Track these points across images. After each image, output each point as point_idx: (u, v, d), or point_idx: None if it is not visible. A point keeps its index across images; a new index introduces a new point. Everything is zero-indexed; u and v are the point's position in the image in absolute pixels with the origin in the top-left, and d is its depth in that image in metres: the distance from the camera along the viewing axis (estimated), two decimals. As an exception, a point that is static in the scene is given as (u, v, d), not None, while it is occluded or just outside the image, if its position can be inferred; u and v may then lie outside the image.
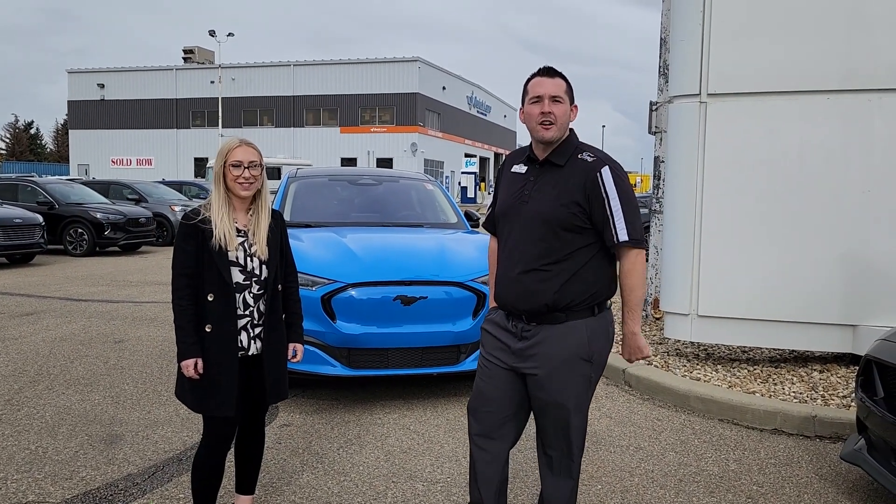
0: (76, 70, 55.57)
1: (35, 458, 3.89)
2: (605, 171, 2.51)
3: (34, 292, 9.69)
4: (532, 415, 2.73)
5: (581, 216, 2.51)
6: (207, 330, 2.75)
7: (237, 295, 2.80)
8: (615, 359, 5.83)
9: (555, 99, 2.54)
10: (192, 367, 2.73)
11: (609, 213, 2.48)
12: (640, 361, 2.68)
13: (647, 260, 7.87)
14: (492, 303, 2.81)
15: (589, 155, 2.57)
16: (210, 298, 2.75)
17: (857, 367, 3.72)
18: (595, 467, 3.92)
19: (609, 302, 2.68)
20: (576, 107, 2.63)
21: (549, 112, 2.53)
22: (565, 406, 2.58)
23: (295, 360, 3.02)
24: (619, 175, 2.54)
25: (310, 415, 4.69)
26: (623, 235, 2.48)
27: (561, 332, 2.55)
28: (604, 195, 2.49)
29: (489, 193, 52.51)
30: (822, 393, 4.92)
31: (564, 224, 2.51)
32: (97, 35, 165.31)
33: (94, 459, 3.88)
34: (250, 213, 2.86)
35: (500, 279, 2.68)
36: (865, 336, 5.11)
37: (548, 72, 2.60)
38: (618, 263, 2.57)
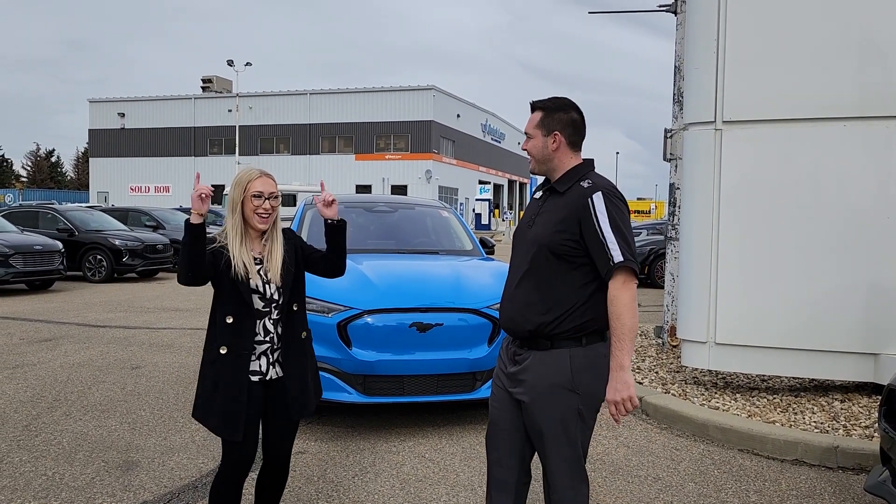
0: (97, 99, 56.62)
1: (52, 484, 3.90)
2: (596, 197, 2.47)
3: (53, 318, 9.78)
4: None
5: (571, 243, 2.47)
6: (222, 352, 2.77)
7: (258, 321, 2.82)
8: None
9: (526, 135, 2.63)
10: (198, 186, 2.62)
11: (602, 237, 2.44)
12: (629, 405, 2.40)
13: (661, 287, 7.74)
14: None
15: (587, 182, 2.53)
16: (229, 321, 2.77)
17: (880, 397, 3.66)
18: (613, 498, 3.87)
19: (607, 333, 2.56)
20: (556, 135, 2.56)
21: (525, 149, 2.65)
22: (551, 435, 2.53)
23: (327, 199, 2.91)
24: (612, 200, 2.47)
25: (325, 442, 4.68)
26: (618, 257, 2.41)
27: (545, 360, 2.51)
28: (594, 220, 2.45)
29: (503, 220, 52.59)
30: (843, 423, 4.84)
31: (554, 249, 2.49)
32: (117, 66, 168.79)
33: (110, 486, 3.88)
34: (264, 240, 2.89)
35: (500, 301, 2.74)
36: (887, 365, 5.04)
37: (531, 105, 2.64)
38: (608, 290, 2.46)
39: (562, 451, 2.54)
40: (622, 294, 2.43)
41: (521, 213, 2.92)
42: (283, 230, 2.96)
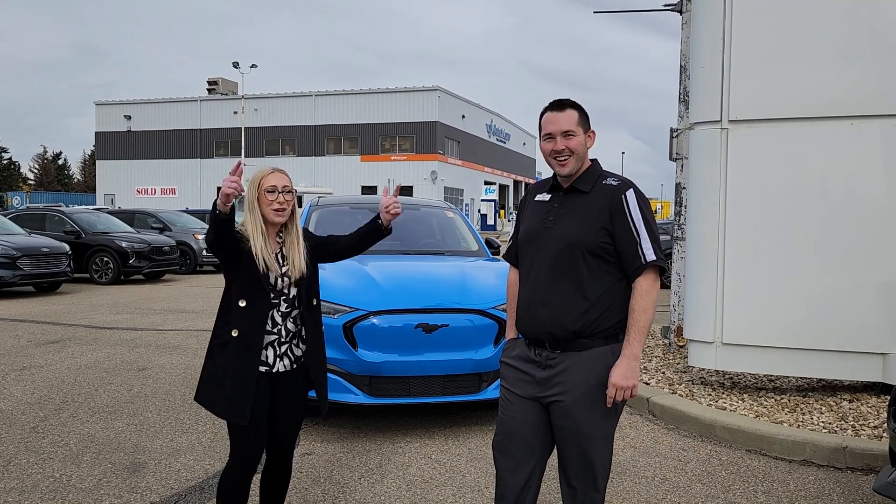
0: (104, 102, 56.84)
1: (59, 486, 3.91)
2: (630, 194, 2.54)
3: (60, 320, 9.82)
4: (555, 446, 2.68)
5: (607, 239, 2.51)
6: (234, 335, 2.79)
7: (270, 311, 2.85)
8: (639, 387, 5.76)
9: (567, 134, 2.56)
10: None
11: (636, 234, 2.50)
12: (630, 395, 2.47)
13: (668, 287, 7.70)
14: (509, 334, 2.80)
15: (614, 180, 2.60)
16: (242, 304, 2.80)
17: (889, 397, 3.64)
18: (620, 499, 3.86)
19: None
20: (593, 132, 2.65)
21: (563, 149, 2.56)
22: (591, 434, 2.55)
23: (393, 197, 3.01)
24: (643, 199, 2.57)
25: (331, 443, 4.68)
26: (651, 255, 2.49)
27: (587, 359, 2.53)
28: (628, 217, 2.51)
29: (509, 220, 52.57)
30: (852, 423, 4.82)
31: (590, 248, 2.51)
32: (125, 69, 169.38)
33: (117, 488, 3.89)
34: (281, 238, 2.91)
35: (523, 306, 2.66)
36: (895, 365, 5.01)
37: (559, 105, 2.61)
38: (634, 284, 2.51)
39: (600, 448, 2.58)
40: (651, 291, 2.51)
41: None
42: (303, 230, 3.01)
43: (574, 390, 2.52)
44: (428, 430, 4.96)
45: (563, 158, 2.57)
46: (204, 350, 7.72)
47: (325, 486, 3.97)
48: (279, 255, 2.89)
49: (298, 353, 2.95)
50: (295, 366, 2.93)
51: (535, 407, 2.61)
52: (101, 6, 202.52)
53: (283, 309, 2.88)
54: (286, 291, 2.87)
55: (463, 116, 53.73)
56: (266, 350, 2.84)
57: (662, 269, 2.54)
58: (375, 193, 46.53)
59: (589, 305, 2.51)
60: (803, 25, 5.27)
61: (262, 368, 2.84)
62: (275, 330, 2.86)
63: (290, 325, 2.90)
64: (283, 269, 2.87)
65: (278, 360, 2.88)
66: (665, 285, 10.96)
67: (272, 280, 2.83)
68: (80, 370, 6.72)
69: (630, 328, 2.50)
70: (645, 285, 2.50)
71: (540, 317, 2.57)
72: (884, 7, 5.11)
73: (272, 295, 2.84)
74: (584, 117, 2.61)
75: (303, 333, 2.95)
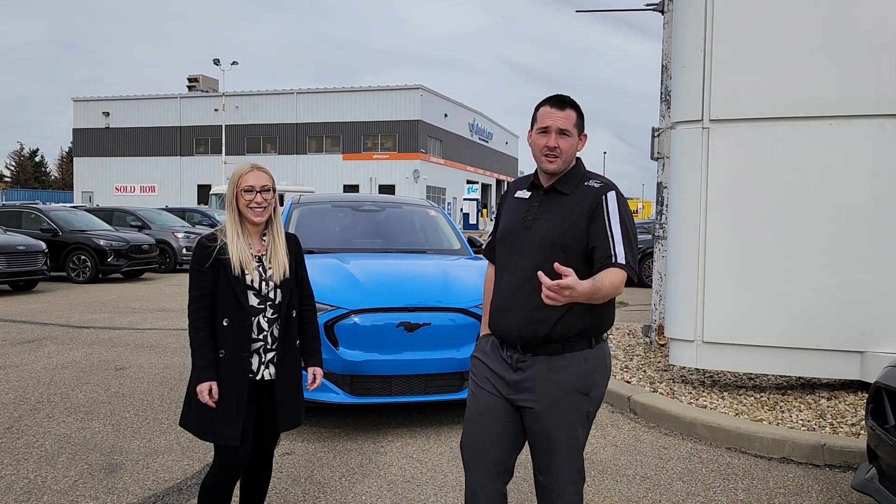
0: (82, 98, 56.11)
1: (34, 487, 3.84)
2: (610, 196, 2.49)
3: (36, 319, 9.66)
4: (529, 449, 2.63)
5: (584, 242, 2.45)
6: (221, 355, 2.75)
7: (252, 319, 2.79)
8: (621, 386, 5.79)
9: (562, 132, 2.50)
10: (206, 391, 2.70)
11: (610, 235, 2.41)
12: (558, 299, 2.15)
13: (649, 286, 7.72)
14: (483, 330, 2.75)
15: (596, 182, 2.54)
16: (225, 323, 2.75)
17: (866, 395, 3.67)
18: (601, 497, 3.86)
19: (605, 334, 2.60)
20: (584, 136, 2.59)
21: (556, 146, 2.50)
22: (561, 440, 2.49)
23: (314, 385, 2.98)
24: (623, 202, 2.52)
25: (312, 443, 4.64)
26: (621, 258, 2.37)
27: (558, 365, 2.47)
28: (605, 218, 2.44)
29: (491, 220, 52.61)
30: (830, 421, 4.86)
31: (566, 249, 2.45)
32: (105, 66, 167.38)
33: (93, 489, 3.83)
34: (265, 237, 2.86)
35: (496, 305, 2.60)
36: (873, 363, 5.07)
37: (559, 102, 2.54)
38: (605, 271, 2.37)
39: (570, 455, 2.52)
40: (617, 282, 2.33)
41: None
42: (287, 234, 2.93)
43: (545, 397, 2.47)
44: (409, 430, 4.94)
45: (552, 156, 2.51)
46: (183, 349, 7.65)
47: (305, 486, 3.93)
48: (263, 258, 2.83)
49: None
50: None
51: (506, 406, 2.56)
52: (79, 1, 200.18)
53: (269, 315, 2.82)
54: (272, 297, 2.82)
55: (445, 115, 53.67)
56: (252, 357, 2.79)
57: (631, 281, 2.43)
58: (358, 192, 46.47)
59: (562, 309, 2.41)
60: (784, 26, 5.31)
61: (248, 381, 2.79)
62: (260, 336, 2.81)
63: (276, 332, 2.84)
64: (269, 274, 2.81)
65: (263, 367, 2.83)
66: (646, 284, 11.01)
67: (256, 284, 2.78)
68: (56, 370, 6.62)
69: (592, 280, 2.27)
70: (610, 273, 2.33)
71: (511, 319, 2.51)
72: (862, 9, 5.17)
73: (257, 300, 2.79)
74: (580, 119, 2.55)
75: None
